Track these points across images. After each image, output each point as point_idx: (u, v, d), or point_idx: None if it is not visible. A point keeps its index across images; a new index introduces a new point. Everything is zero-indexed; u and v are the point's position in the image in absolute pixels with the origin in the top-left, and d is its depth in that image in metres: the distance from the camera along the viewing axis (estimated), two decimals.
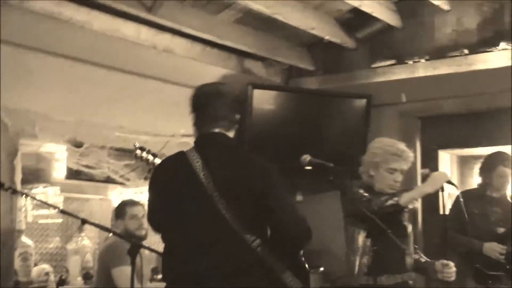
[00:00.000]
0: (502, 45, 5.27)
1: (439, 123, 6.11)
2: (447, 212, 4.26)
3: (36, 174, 5.52)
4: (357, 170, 4.06)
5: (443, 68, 5.51)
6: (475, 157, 6.09)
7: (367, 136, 5.67)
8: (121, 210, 4.75)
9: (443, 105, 5.99)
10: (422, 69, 5.60)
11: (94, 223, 3.80)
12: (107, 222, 5.58)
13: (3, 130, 4.63)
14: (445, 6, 5.57)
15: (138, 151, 3.49)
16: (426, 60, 5.61)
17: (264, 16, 5.24)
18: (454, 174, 6.35)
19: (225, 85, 3.19)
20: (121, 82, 5.28)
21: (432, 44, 5.69)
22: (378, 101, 6.01)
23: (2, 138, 4.63)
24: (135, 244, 3.50)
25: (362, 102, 5.99)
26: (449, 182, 3.90)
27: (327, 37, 5.77)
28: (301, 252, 3.19)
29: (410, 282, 3.96)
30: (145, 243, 4.32)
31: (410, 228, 4.01)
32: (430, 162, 5.90)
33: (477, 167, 5.44)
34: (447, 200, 4.04)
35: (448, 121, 6.04)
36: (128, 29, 4.79)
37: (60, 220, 5.82)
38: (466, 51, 5.43)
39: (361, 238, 3.88)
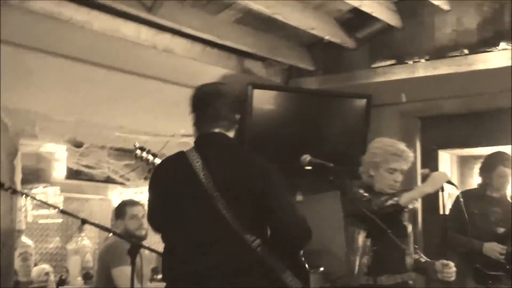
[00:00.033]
0: (502, 45, 5.27)
1: (439, 123, 6.11)
2: (447, 212, 4.25)
3: (36, 174, 5.52)
4: (357, 170, 4.06)
5: (443, 68, 5.51)
6: (475, 157, 6.09)
7: (367, 136, 5.67)
8: (121, 210, 4.75)
9: (443, 105, 5.99)
10: (422, 69, 5.60)
11: (94, 223, 3.80)
12: (107, 222, 5.58)
13: (3, 130, 4.63)
14: (445, 6, 5.56)
15: (138, 151, 3.50)
16: (426, 60, 5.61)
17: (264, 16, 5.24)
18: (454, 174, 6.35)
19: (225, 85, 3.19)
20: (121, 82, 5.28)
21: (432, 44, 5.69)
22: (378, 101, 6.01)
23: (2, 138, 4.63)
24: (135, 244, 3.50)
25: (362, 102, 5.99)
26: (449, 182, 3.90)
27: (327, 37, 5.77)
28: (301, 252, 3.19)
29: (410, 282, 3.96)
30: (145, 243, 4.32)
31: (410, 228, 4.01)
32: (430, 162, 5.90)
33: (477, 167, 5.44)
34: (447, 200, 4.04)
35: (448, 121, 6.04)
36: (128, 29, 4.78)
37: (60, 220, 5.82)
38: (466, 51, 5.43)
39: (361, 238, 3.88)
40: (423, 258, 4.08)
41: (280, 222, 2.95)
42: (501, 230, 4.99)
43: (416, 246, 4.10)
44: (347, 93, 6.06)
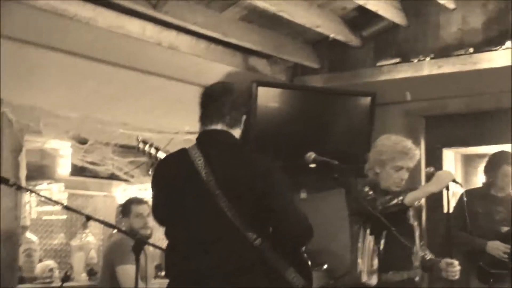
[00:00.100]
0: (508, 44, 5.26)
1: (444, 122, 6.11)
2: (451, 210, 4.25)
3: (40, 171, 5.53)
4: (361, 168, 4.06)
5: (448, 66, 5.50)
6: (480, 156, 6.08)
7: (372, 134, 5.67)
8: (127, 208, 4.76)
9: (448, 103, 5.98)
10: (427, 67, 5.59)
11: (98, 220, 3.81)
12: (111, 218, 5.60)
13: (8, 126, 4.63)
14: (451, 5, 5.56)
15: (141, 145, 3.49)
16: (431, 58, 5.60)
17: (269, 13, 5.24)
18: (458, 173, 6.34)
19: (233, 84, 3.19)
20: (125, 79, 5.29)
21: (437, 43, 5.68)
22: (383, 100, 6.00)
23: (7, 134, 4.64)
24: (139, 240, 3.51)
25: (367, 100, 5.98)
26: (454, 181, 3.90)
27: (332, 35, 5.77)
28: (304, 249, 3.18)
29: (416, 279, 3.96)
30: (149, 240, 4.33)
31: (415, 225, 4.01)
32: (435, 161, 5.88)
33: (481, 166, 5.44)
34: (451, 198, 4.03)
35: (453, 120, 6.04)
36: (133, 26, 4.79)
37: (64, 217, 5.83)
38: (471, 50, 5.42)
39: (366, 235, 3.88)
40: (428, 256, 4.09)
41: (281, 222, 2.94)
42: (505, 229, 4.99)
43: (422, 243, 4.10)
44: (351, 91, 6.05)
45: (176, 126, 5.50)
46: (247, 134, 3.24)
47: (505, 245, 4.88)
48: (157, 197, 3.13)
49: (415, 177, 5.11)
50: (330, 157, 3.62)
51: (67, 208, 4.10)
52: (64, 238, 5.76)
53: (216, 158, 2.95)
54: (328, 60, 6.23)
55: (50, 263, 5.24)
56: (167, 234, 3.06)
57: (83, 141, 5.21)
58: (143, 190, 5.67)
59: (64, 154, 5.44)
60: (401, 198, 3.78)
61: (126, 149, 5.39)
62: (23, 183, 4.70)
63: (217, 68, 5.51)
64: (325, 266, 5.91)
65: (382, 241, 3.82)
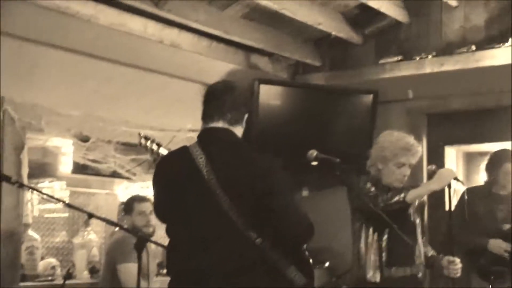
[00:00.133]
0: (510, 41, 5.25)
1: (446, 120, 6.10)
2: (453, 208, 4.25)
3: (42, 168, 5.53)
4: (363, 165, 4.06)
5: (450, 64, 5.49)
6: (481, 154, 6.08)
7: (374, 132, 5.66)
8: (129, 205, 4.77)
9: (450, 101, 5.98)
10: (429, 65, 5.59)
11: (100, 217, 3.80)
12: (113, 216, 5.60)
13: (10, 124, 4.64)
14: (453, 3, 5.56)
15: (143, 140, 3.49)
16: (433, 56, 5.60)
17: (271, 11, 5.23)
18: (460, 171, 6.34)
19: (235, 82, 3.19)
20: (127, 77, 5.29)
21: (440, 41, 5.68)
22: (384, 98, 6.00)
23: (9, 132, 4.64)
24: (141, 238, 3.51)
25: (369, 98, 5.98)
26: (456, 179, 3.90)
27: (334, 33, 5.76)
28: (305, 247, 3.18)
29: (419, 275, 3.96)
30: (151, 238, 4.33)
31: (418, 221, 4.01)
32: (437, 159, 5.89)
33: (483, 164, 5.43)
34: (453, 196, 4.04)
35: (455, 118, 6.03)
36: (135, 23, 4.79)
37: (66, 214, 5.83)
38: (473, 48, 5.41)
39: (368, 232, 3.88)
40: (430, 252, 4.09)
41: (282, 221, 2.93)
42: (506, 227, 4.98)
43: (423, 239, 4.09)
44: (353, 89, 6.05)
45: (178, 124, 5.50)
46: (249, 132, 3.23)
47: (507, 243, 4.88)
48: (158, 195, 3.13)
49: (416, 175, 5.11)
50: (332, 155, 3.61)
51: (69, 206, 4.10)
52: (66, 236, 5.76)
53: (218, 156, 2.95)
54: (330, 58, 6.22)
55: (52, 261, 5.24)
56: (168, 232, 3.06)
57: (85, 139, 5.21)
58: (145, 188, 5.68)
59: (66, 152, 5.44)
60: (402, 195, 3.78)
61: (128, 147, 5.38)
62: (25, 181, 4.70)
63: (219, 66, 5.51)
64: (327, 264, 5.91)
65: (385, 238, 3.82)
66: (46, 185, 5.53)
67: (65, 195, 5.60)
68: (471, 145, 6.27)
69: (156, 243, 3.94)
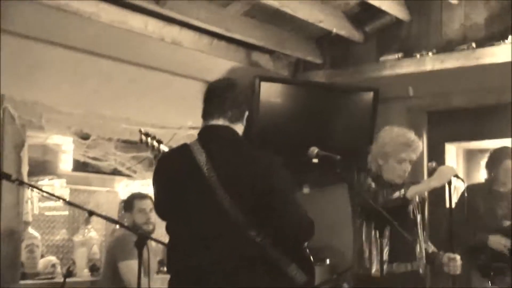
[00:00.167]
0: (510, 39, 5.25)
1: (446, 117, 6.10)
2: (453, 205, 4.26)
3: (42, 166, 5.52)
4: (364, 163, 4.06)
5: (450, 62, 5.49)
6: (482, 151, 6.09)
7: (374, 129, 5.66)
8: (130, 203, 4.76)
9: (450, 99, 5.98)
10: (430, 63, 5.58)
11: (101, 215, 3.80)
12: (114, 214, 5.59)
13: (10, 122, 4.63)
14: (453, 0, 5.55)
15: (144, 137, 3.49)
16: (434, 54, 5.59)
17: (272, 9, 5.23)
18: (460, 168, 6.35)
19: (236, 80, 3.18)
20: (128, 74, 5.29)
21: (440, 38, 5.69)
22: (385, 95, 6.00)
23: (9, 130, 4.63)
24: (142, 235, 3.50)
25: (369, 95, 5.98)
26: (456, 176, 3.90)
27: (335, 31, 5.75)
28: (306, 244, 3.17)
29: (420, 271, 3.96)
30: (151, 236, 4.32)
31: (419, 218, 4.01)
32: (437, 156, 5.89)
33: (483, 161, 5.43)
34: (453, 193, 4.04)
35: (455, 115, 6.04)
36: (136, 21, 4.78)
37: (66, 212, 5.82)
38: (474, 45, 5.41)
39: (368, 229, 3.88)
40: (430, 249, 4.09)
41: (282, 219, 2.93)
42: (507, 223, 4.99)
43: (424, 235, 4.09)
44: (354, 87, 6.05)
45: (179, 121, 5.50)
46: (250, 130, 3.23)
47: (506, 239, 4.88)
48: (159, 193, 3.12)
49: (417, 172, 5.11)
50: (332, 152, 3.61)
51: (69, 203, 4.09)
52: (67, 234, 5.75)
53: (218, 154, 2.94)
54: (331, 56, 6.23)
55: (53, 259, 5.23)
56: (169, 229, 3.05)
57: (85, 137, 5.20)
58: (146, 185, 5.67)
59: (66, 150, 5.43)
60: (403, 191, 3.78)
61: (129, 144, 5.37)
62: (25, 178, 4.69)
63: (220, 64, 5.51)
64: (328, 262, 5.92)
65: (386, 235, 3.82)
66: (46, 183, 5.51)
67: (65, 193, 5.58)
68: (472, 142, 6.28)
69: (156, 240, 3.94)
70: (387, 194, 3.79)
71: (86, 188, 5.88)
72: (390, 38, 5.93)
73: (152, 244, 4.56)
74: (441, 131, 6.16)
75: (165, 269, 5.42)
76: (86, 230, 5.48)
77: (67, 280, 4.47)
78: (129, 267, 4.34)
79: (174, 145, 3.33)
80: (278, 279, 2.92)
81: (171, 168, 3.06)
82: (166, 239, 3.13)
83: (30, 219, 5.16)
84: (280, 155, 2.98)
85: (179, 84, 5.53)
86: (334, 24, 5.70)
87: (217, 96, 3.04)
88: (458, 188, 5.02)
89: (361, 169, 4.00)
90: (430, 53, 5.60)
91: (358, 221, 3.94)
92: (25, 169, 4.74)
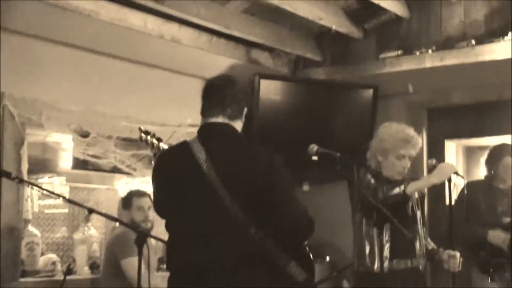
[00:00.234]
0: (510, 35, 5.25)
1: (446, 114, 6.11)
2: (453, 202, 4.26)
3: (42, 164, 5.52)
4: (364, 160, 4.06)
5: (450, 59, 5.49)
6: (482, 148, 6.09)
7: (374, 126, 5.66)
8: (128, 200, 4.76)
9: (450, 95, 5.98)
10: (430, 60, 5.58)
11: (101, 213, 3.80)
12: (114, 211, 5.58)
13: (10, 119, 4.63)
14: None
15: (143, 135, 3.49)
16: (434, 51, 5.59)
17: (272, 6, 5.22)
18: (460, 165, 6.35)
19: (235, 77, 3.18)
20: (127, 72, 5.29)
21: (440, 35, 5.69)
22: (385, 92, 6.00)
23: (9, 127, 4.63)
24: (141, 233, 3.50)
25: (369, 92, 5.97)
26: (456, 173, 3.90)
27: (334, 28, 5.75)
28: (306, 242, 3.18)
29: (420, 267, 3.97)
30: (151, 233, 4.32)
31: (419, 214, 4.01)
32: (437, 153, 5.89)
33: (483, 158, 5.44)
34: (453, 190, 4.04)
35: (455, 112, 6.04)
36: (135, 18, 4.78)
37: (66, 210, 5.81)
38: (473, 42, 5.40)
39: (368, 226, 3.88)
40: (430, 245, 4.09)
41: (282, 217, 2.93)
42: (507, 220, 4.99)
43: (423, 231, 4.09)
44: (354, 84, 6.05)
45: (179, 119, 5.50)
46: (249, 127, 3.23)
47: (506, 234, 4.89)
48: (158, 190, 3.11)
49: (416, 169, 5.11)
50: (332, 149, 3.61)
51: (69, 201, 4.08)
52: (67, 232, 5.75)
53: (218, 151, 2.94)
54: (331, 53, 6.22)
55: (53, 256, 5.23)
56: (168, 227, 3.05)
57: (85, 134, 5.20)
58: (145, 183, 5.67)
59: (66, 148, 5.42)
60: (402, 187, 3.78)
61: (129, 142, 5.37)
62: (25, 176, 4.69)
63: (220, 61, 5.50)
64: (328, 259, 5.92)
65: (386, 231, 3.82)
66: (46, 180, 5.51)
67: (65, 190, 5.57)
68: (471, 139, 6.28)
69: (156, 238, 3.94)
70: (386, 190, 3.79)
71: (86, 186, 5.87)
72: (390, 35, 5.93)
73: (152, 241, 4.55)
74: (441, 128, 6.16)
75: (164, 266, 5.43)
76: (86, 228, 5.48)
77: (67, 277, 4.46)
78: (132, 264, 4.34)
79: (174, 142, 3.33)
80: (277, 277, 2.92)
81: (171, 166, 3.06)
82: (165, 236, 3.13)
83: (30, 217, 5.16)
84: (280, 153, 2.98)
85: (179, 82, 5.52)
86: (334, 21, 5.69)
87: (216, 93, 3.04)
88: (458, 185, 5.03)
89: (361, 166, 4.00)
90: (429, 50, 5.59)
91: (358, 218, 3.94)
92: (24, 167, 4.74)
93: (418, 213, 4.02)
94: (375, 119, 5.88)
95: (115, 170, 5.65)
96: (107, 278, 4.67)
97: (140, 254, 3.40)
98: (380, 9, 5.68)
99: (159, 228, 4.86)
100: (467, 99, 5.93)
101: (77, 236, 5.46)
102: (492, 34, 5.39)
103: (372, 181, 3.89)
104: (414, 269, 3.93)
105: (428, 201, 5.93)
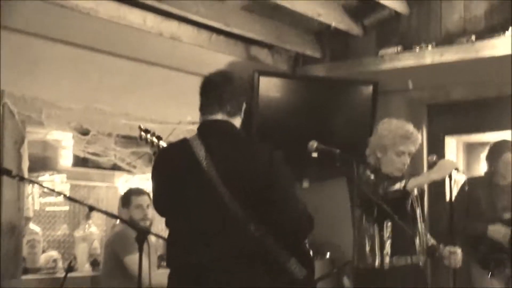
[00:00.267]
0: (510, 31, 5.24)
1: (446, 110, 6.10)
2: (453, 199, 4.27)
3: (42, 162, 5.53)
4: (363, 156, 4.06)
5: (450, 55, 5.48)
6: (482, 144, 6.08)
7: (374, 123, 5.66)
8: (127, 198, 4.77)
9: (450, 92, 5.98)
10: (429, 56, 5.57)
11: (101, 210, 3.81)
12: (114, 209, 5.58)
13: (10, 118, 4.63)
14: None
15: (143, 133, 3.49)
16: (433, 47, 5.58)
17: (271, 3, 5.22)
18: (460, 161, 6.35)
19: (233, 72, 3.17)
20: (127, 70, 5.28)
21: (440, 31, 5.68)
22: (385, 88, 6.00)
23: (9, 126, 4.64)
24: (142, 230, 3.51)
25: (369, 89, 5.97)
26: (457, 170, 3.90)
27: (334, 24, 5.75)
28: (306, 239, 3.18)
29: (420, 264, 3.97)
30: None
31: (418, 211, 4.01)
32: (437, 149, 5.89)
33: (483, 154, 5.44)
34: (454, 187, 4.04)
35: (455, 108, 6.03)
36: (134, 16, 4.77)
37: (67, 208, 5.83)
38: (473, 38, 5.40)
39: (368, 222, 3.89)
40: (430, 241, 4.09)
41: (281, 215, 2.92)
42: (507, 216, 4.99)
43: (423, 227, 4.09)
44: (353, 80, 6.04)
45: (178, 116, 5.50)
46: (249, 124, 3.23)
47: (506, 228, 4.89)
48: (157, 188, 3.11)
49: (416, 165, 5.11)
50: (332, 146, 3.62)
51: (69, 199, 4.08)
52: (67, 229, 5.76)
53: (217, 148, 2.94)
54: (330, 50, 6.22)
55: (54, 254, 5.24)
56: (168, 224, 3.05)
57: (85, 132, 5.20)
58: (145, 180, 5.67)
59: (66, 145, 5.43)
60: (403, 182, 3.78)
61: (128, 140, 5.38)
62: (26, 174, 4.70)
63: (219, 58, 5.50)
64: (328, 255, 5.92)
65: (386, 228, 3.82)
66: (47, 178, 5.52)
67: (65, 188, 5.59)
68: (472, 135, 6.28)
69: (157, 235, 3.95)
70: (387, 186, 3.79)
71: (86, 184, 5.89)
72: (389, 31, 5.92)
73: (152, 239, 4.56)
74: (441, 124, 6.16)
75: (165, 264, 5.44)
76: (87, 225, 5.49)
77: (68, 275, 4.47)
78: (135, 260, 4.34)
79: (174, 140, 3.33)
80: (277, 274, 2.92)
81: (170, 163, 3.06)
82: (165, 234, 3.13)
83: (31, 214, 5.18)
84: (279, 150, 2.98)
85: (178, 79, 5.52)
86: (333, 18, 5.68)
87: (214, 90, 3.03)
88: (458, 181, 5.03)
89: (360, 163, 4.00)
90: (429, 46, 5.58)
91: (358, 215, 3.94)
92: (25, 165, 4.74)
93: (418, 210, 4.02)
94: (375, 116, 5.88)
95: (115, 167, 5.66)
96: (108, 275, 4.68)
97: (141, 251, 3.41)
98: (379, 5, 5.67)
99: (158, 226, 4.88)
100: (467, 95, 5.93)
101: (78, 233, 5.47)
102: (492, 30, 5.38)
103: (372, 176, 3.89)
104: (414, 265, 3.93)
105: (428, 198, 5.94)
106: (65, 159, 5.51)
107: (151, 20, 4.89)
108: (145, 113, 5.29)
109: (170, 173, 3.01)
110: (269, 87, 5.69)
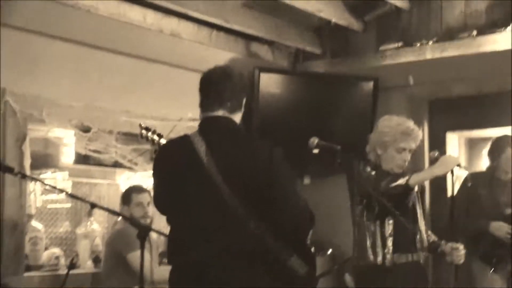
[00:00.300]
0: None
1: (448, 106, 6.10)
2: (455, 195, 4.26)
3: (44, 159, 5.53)
4: (364, 153, 4.05)
5: (451, 50, 5.47)
6: (484, 139, 6.08)
7: (375, 119, 5.65)
8: (127, 196, 4.77)
9: (451, 87, 5.97)
10: (430, 51, 5.56)
11: (103, 207, 3.82)
12: (115, 206, 5.59)
13: (11, 115, 4.64)
14: None
15: (144, 131, 3.49)
16: (434, 42, 5.58)
17: None
18: (462, 156, 6.34)
19: (232, 68, 3.17)
20: (127, 67, 5.28)
21: (440, 26, 5.66)
22: (386, 84, 5.99)
23: (11, 123, 4.64)
24: (143, 227, 3.51)
25: (370, 85, 5.97)
26: (459, 166, 3.89)
27: (334, 20, 5.74)
28: (308, 236, 3.17)
29: (422, 261, 3.97)
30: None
31: (419, 207, 4.01)
32: (438, 145, 5.88)
33: (485, 149, 5.44)
34: (455, 182, 4.04)
35: (456, 104, 6.03)
36: (134, 13, 4.77)
37: (69, 205, 5.83)
38: (474, 33, 5.39)
39: (369, 219, 3.88)
40: (431, 238, 4.09)
41: (282, 212, 2.93)
42: (509, 211, 5.00)
43: (424, 225, 4.09)
44: (354, 76, 6.04)
45: (179, 113, 5.50)
46: (249, 120, 3.23)
47: (508, 225, 4.89)
48: (158, 185, 3.12)
49: (418, 162, 5.11)
50: (333, 142, 3.61)
51: (71, 196, 4.08)
52: (69, 226, 5.77)
53: (218, 145, 2.94)
54: (331, 46, 6.20)
55: (56, 251, 5.25)
56: (169, 221, 3.06)
57: (86, 129, 5.21)
58: (147, 177, 5.68)
59: (67, 143, 5.44)
60: (406, 178, 3.77)
61: (130, 137, 5.38)
62: (28, 172, 4.71)
63: (219, 55, 5.49)
64: (329, 252, 5.91)
65: (387, 224, 3.82)
66: (49, 176, 5.52)
67: (67, 185, 5.59)
68: (473, 131, 6.28)
69: (158, 232, 3.95)
70: (389, 182, 3.78)
71: (88, 181, 5.89)
72: (390, 27, 5.90)
73: (153, 236, 4.56)
74: (443, 120, 6.15)
75: (166, 260, 5.45)
76: (89, 223, 5.49)
77: (71, 272, 4.48)
78: (138, 257, 4.35)
79: (174, 137, 3.33)
80: (278, 271, 2.92)
81: (171, 159, 3.06)
82: (166, 231, 3.13)
83: (33, 212, 5.19)
84: (280, 146, 2.98)
85: (179, 76, 5.52)
86: (333, 13, 5.67)
87: (214, 87, 3.02)
88: (459, 177, 5.03)
89: (361, 159, 4.00)
90: (430, 42, 5.58)
91: (358, 211, 3.94)
92: (27, 162, 4.75)
93: (418, 206, 4.01)
94: (376, 112, 5.88)
95: (116, 164, 5.67)
96: (109, 272, 4.68)
97: (142, 248, 3.41)
98: (380, 1, 5.66)
99: (159, 224, 4.87)
100: (469, 91, 5.92)
101: (80, 230, 5.48)
102: (493, 25, 5.37)
103: (373, 173, 3.88)
104: (415, 263, 3.93)
105: (430, 194, 5.94)
106: (67, 157, 5.52)
107: (151, 17, 4.89)
108: (146, 110, 5.29)
109: (171, 170, 3.01)
110: (270, 84, 5.69)
